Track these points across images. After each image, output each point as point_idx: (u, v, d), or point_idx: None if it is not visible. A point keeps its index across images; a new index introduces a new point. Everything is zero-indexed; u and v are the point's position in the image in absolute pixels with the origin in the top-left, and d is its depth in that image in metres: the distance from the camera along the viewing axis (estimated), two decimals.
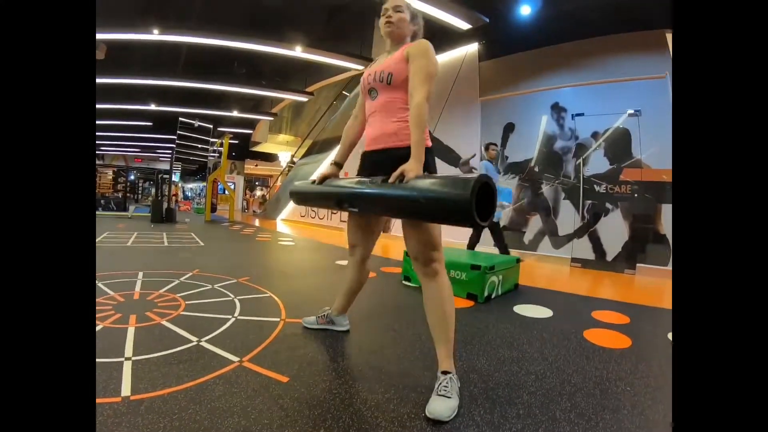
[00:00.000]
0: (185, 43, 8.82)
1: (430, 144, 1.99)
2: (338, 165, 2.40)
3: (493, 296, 3.85)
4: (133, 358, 2.10)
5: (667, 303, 4.33)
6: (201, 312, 2.94)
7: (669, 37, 6.10)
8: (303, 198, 2.51)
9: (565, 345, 2.69)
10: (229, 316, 2.87)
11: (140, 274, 4.05)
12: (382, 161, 2.03)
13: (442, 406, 1.70)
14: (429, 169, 1.92)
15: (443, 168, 8.43)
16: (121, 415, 1.59)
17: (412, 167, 1.75)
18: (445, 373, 1.84)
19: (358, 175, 2.16)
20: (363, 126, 2.32)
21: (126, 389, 1.79)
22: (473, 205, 1.45)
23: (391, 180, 1.75)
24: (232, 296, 3.41)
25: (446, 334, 1.89)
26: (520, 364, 2.31)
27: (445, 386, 1.77)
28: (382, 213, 2.19)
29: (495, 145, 5.98)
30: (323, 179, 2.29)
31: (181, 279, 3.95)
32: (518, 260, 4.38)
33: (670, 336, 2.97)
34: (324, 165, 12.93)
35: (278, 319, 2.87)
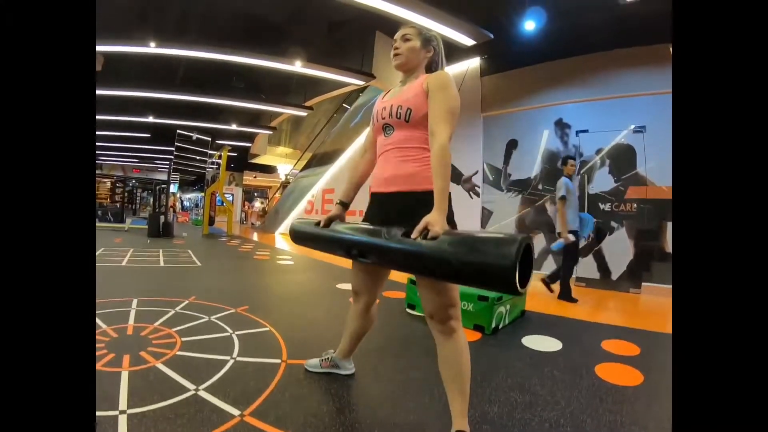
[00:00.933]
0: (183, 56, 8.74)
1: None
2: (344, 205, 2.22)
3: (500, 326, 3.74)
4: (128, 412, 1.96)
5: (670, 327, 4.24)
6: (198, 352, 2.80)
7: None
8: (306, 239, 2.28)
9: (578, 384, 2.58)
10: (228, 357, 2.73)
11: (134, 302, 3.92)
12: (397, 206, 1.86)
13: None
14: (449, 219, 1.72)
15: None
16: None
17: (436, 220, 1.54)
18: None
19: (367, 218, 2.00)
20: (372, 164, 2.15)
21: None
22: (516, 272, 1.27)
23: (414, 235, 1.55)
24: (230, 331, 3.27)
25: (462, 389, 1.77)
26: (533, 410, 2.20)
27: None
28: (401, 269, 1.98)
29: (573, 159, 5.51)
30: (329, 222, 2.10)
31: (177, 309, 3.82)
32: None
33: None
34: (324, 179, 12.85)
35: (279, 361, 2.73)
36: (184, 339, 3.03)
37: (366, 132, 2.25)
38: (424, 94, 1.82)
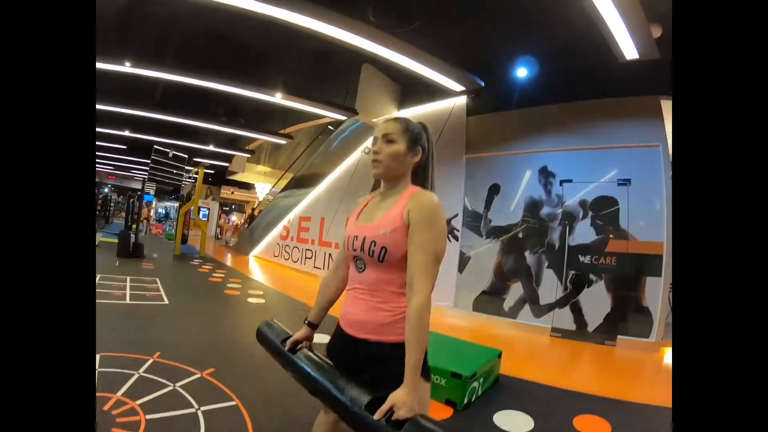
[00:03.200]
0: (161, 79, 8.59)
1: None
2: (313, 326, 1.96)
3: (473, 399, 3.65)
4: None
5: (645, 393, 4.32)
6: None
7: (663, 104, 6.10)
8: (270, 351, 2.05)
9: None
10: None
11: (98, 359, 3.72)
12: (368, 354, 1.64)
13: None
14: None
15: None
16: None
17: (404, 401, 1.35)
18: None
19: (332, 349, 1.83)
20: (344, 281, 1.91)
21: None
22: None
23: (377, 416, 1.35)
24: (196, 406, 3.10)
25: None
26: None
27: None
28: None
29: None
30: (294, 344, 1.87)
31: (140, 371, 3.63)
32: (499, 355, 4.19)
33: None
34: (302, 204, 12.68)
35: None
36: (148, 417, 2.88)
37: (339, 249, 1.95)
38: (404, 228, 1.57)
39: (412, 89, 9.11)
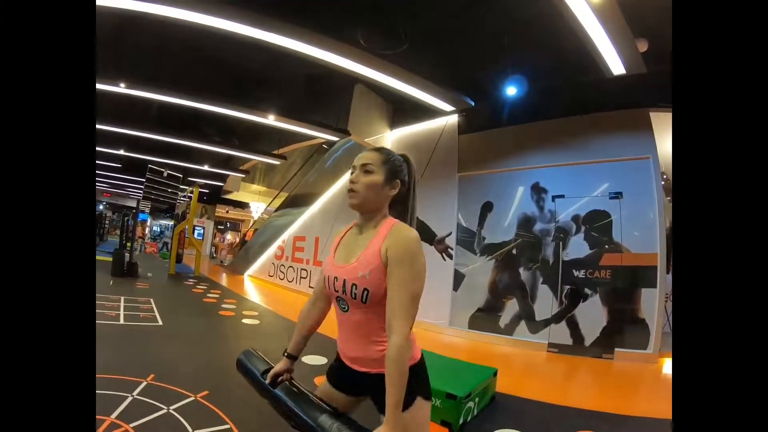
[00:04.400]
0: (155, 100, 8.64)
1: (418, 356, 1.68)
2: (293, 358, 1.92)
3: (469, 419, 3.63)
4: None
5: (644, 406, 4.31)
6: None
7: (653, 116, 6.17)
8: (250, 382, 2.00)
9: None
10: None
11: None
12: (370, 386, 1.64)
13: None
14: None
15: None
16: None
17: None
18: None
19: (330, 377, 1.83)
20: (322, 314, 1.92)
21: None
22: None
23: None
24: (190, 430, 3.07)
25: None
26: None
27: None
28: None
29: None
30: (275, 376, 1.82)
31: (134, 394, 3.59)
32: (495, 373, 4.18)
33: None
34: (297, 224, 12.67)
35: None
36: None
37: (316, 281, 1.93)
38: (382, 267, 1.54)
39: (404, 109, 9.16)
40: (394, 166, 1.70)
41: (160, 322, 6.54)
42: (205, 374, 4.39)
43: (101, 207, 31.22)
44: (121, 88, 7.94)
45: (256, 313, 8.30)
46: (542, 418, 3.89)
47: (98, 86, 7.73)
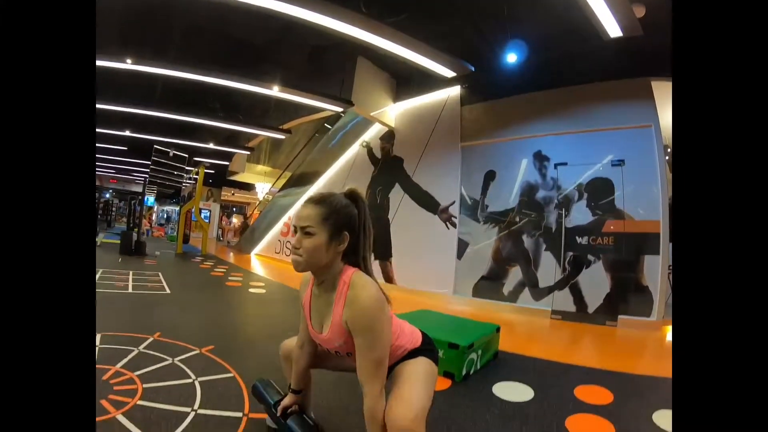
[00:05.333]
0: (161, 75, 8.63)
1: (418, 343, 1.86)
2: (297, 393, 2.07)
3: (471, 372, 3.67)
4: None
5: (648, 367, 4.34)
6: (159, 402, 2.68)
7: (654, 85, 6.14)
8: (267, 413, 2.29)
9: None
10: (189, 409, 2.61)
11: (98, 338, 3.77)
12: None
13: None
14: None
15: (423, 214, 8.33)
16: None
17: None
18: None
19: None
20: (311, 356, 2.03)
21: None
22: None
23: None
24: (193, 377, 3.14)
25: None
26: None
27: None
28: None
29: None
30: (285, 409, 2.02)
31: (141, 347, 3.68)
32: (498, 329, 4.21)
33: (655, 418, 2.86)
34: (301, 201, 12.72)
35: (241, 415, 2.62)
36: (145, 385, 2.91)
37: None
38: (348, 334, 1.63)
39: (406, 82, 9.19)
40: (339, 218, 1.63)
41: (168, 291, 6.63)
42: (211, 332, 4.46)
43: (107, 195, 31.37)
44: (128, 65, 7.93)
45: (263, 284, 8.39)
46: (545, 373, 3.90)
47: (105, 63, 7.76)
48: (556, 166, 6.95)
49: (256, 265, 11.99)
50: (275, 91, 8.27)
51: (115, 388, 2.83)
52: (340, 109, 8.82)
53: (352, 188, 1.75)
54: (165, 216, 31.13)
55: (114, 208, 28.86)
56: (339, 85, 8.44)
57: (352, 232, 1.66)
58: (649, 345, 5.19)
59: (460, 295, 7.53)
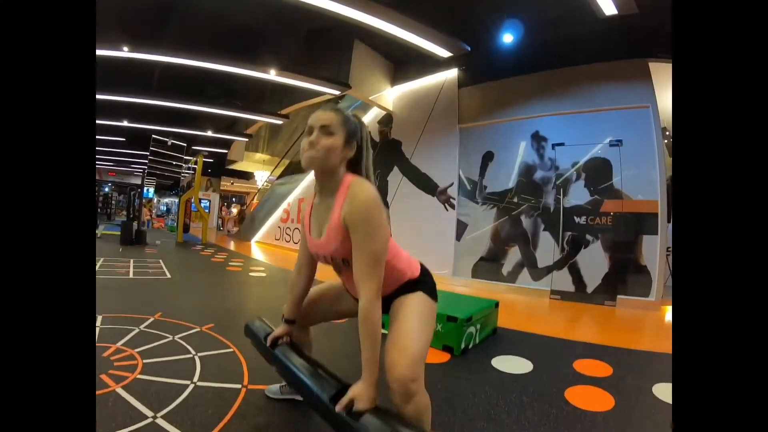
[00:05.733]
0: (158, 62, 8.59)
1: (417, 274, 1.84)
2: (290, 323, 2.12)
3: (470, 346, 3.69)
4: None
5: (648, 343, 4.32)
6: (159, 376, 2.71)
7: (652, 66, 6.12)
8: (256, 346, 2.31)
9: (546, 411, 2.53)
10: (188, 382, 2.64)
11: (99, 319, 3.80)
12: (392, 298, 1.81)
13: None
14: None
15: (422, 197, 8.33)
16: None
17: (362, 394, 1.46)
18: None
19: None
20: (309, 281, 2.08)
21: None
22: None
23: (338, 408, 1.48)
24: (193, 352, 3.17)
25: None
26: None
27: None
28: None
29: None
30: (275, 339, 2.06)
31: (141, 327, 3.70)
32: (496, 305, 4.24)
33: (655, 390, 2.88)
34: (300, 187, 12.74)
35: (240, 386, 2.65)
36: (145, 361, 2.94)
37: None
38: (347, 233, 1.62)
39: (403, 65, 9.17)
40: (351, 127, 1.72)
41: (169, 276, 6.67)
42: (211, 312, 4.49)
43: (106, 188, 31.35)
44: (125, 52, 7.88)
45: (263, 269, 8.44)
46: (544, 348, 3.93)
47: (101, 52, 7.71)
48: (553, 146, 6.94)
49: (257, 252, 12.03)
50: (272, 75, 8.25)
51: (116, 363, 2.85)
52: (337, 92, 8.79)
53: (354, 113, 1.83)
54: (165, 208, 31.20)
55: (114, 202, 28.92)
56: (336, 70, 8.41)
57: (358, 146, 1.75)
58: (648, 324, 5.21)
59: (460, 276, 7.56)
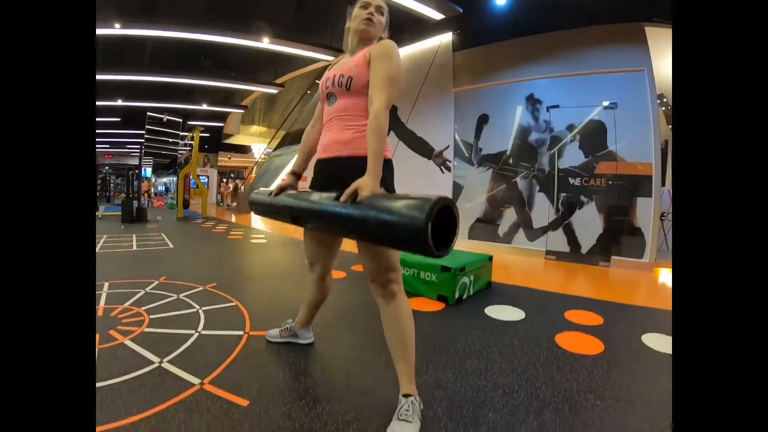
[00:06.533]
0: (150, 36, 8.57)
1: (389, 156, 1.86)
2: (296, 175, 2.27)
3: (464, 297, 3.82)
4: (97, 385, 2.02)
5: (640, 299, 4.39)
6: (164, 328, 2.85)
7: (647, 30, 6.11)
8: (260, 209, 2.33)
9: (536, 352, 2.65)
10: (193, 331, 2.78)
11: (105, 286, 3.91)
12: (335, 171, 1.89)
13: (402, 431, 1.65)
14: (386, 185, 1.75)
15: (418, 160, 8.39)
16: None
17: (366, 183, 1.55)
18: (406, 396, 1.76)
19: (311, 185, 2.01)
20: (320, 134, 2.17)
21: None
22: (428, 232, 1.28)
23: (343, 198, 1.56)
24: (197, 307, 3.31)
25: (406, 355, 1.81)
26: (488, 377, 2.27)
27: (407, 410, 1.71)
28: (333, 233, 2.07)
29: None
30: (280, 190, 2.12)
31: (147, 289, 3.84)
32: (490, 258, 4.35)
33: (644, 339, 2.96)
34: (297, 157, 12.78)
35: (242, 333, 2.79)
36: (152, 316, 3.08)
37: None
38: (366, 64, 1.83)
39: (398, 30, 9.10)
40: (388, 13, 2.07)
41: (171, 246, 6.80)
42: (214, 274, 4.64)
43: (104, 172, 31.27)
44: (117, 29, 7.86)
45: (263, 236, 8.60)
46: (537, 300, 4.05)
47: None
48: (548, 108, 6.97)
49: (257, 222, 12.12)
50: (266, 44, 8.24)
51: (123, 320, 2.98)
52: (331, 58, 8.77)
53: None
54: (164, 188, 31.24)
55: (112, 185, 28.90)
56: (329, 36, 8.40)
57: (387, 29, 2.08)
58: (641, 283, 5.27)
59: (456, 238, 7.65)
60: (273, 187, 2.25)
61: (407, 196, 1.45)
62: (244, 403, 1.91)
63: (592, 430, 1.79)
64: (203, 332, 2.78)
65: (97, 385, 2.03)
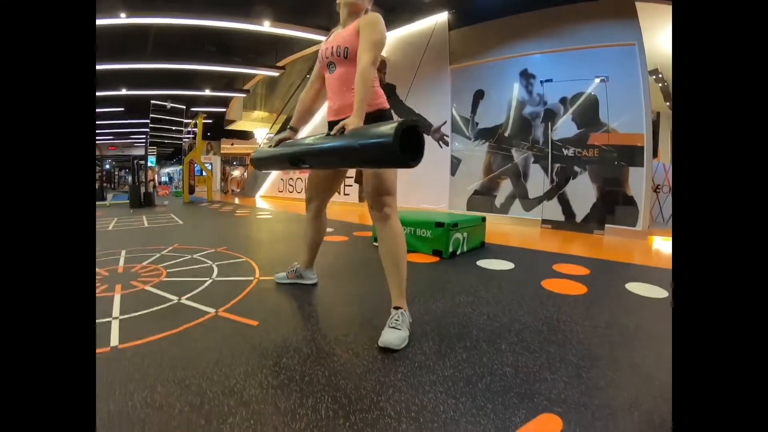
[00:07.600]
0: (153, 24, 8.74)
1: (387, 106, 2.18)
2: (294, 130, 2.54)
3: (458, 252, 4.09)
4: (120, 317, 2.27)
5: (629, 258, 4.56)
6: (181, 277, 3.14)
7: (638, 6, 6.26)
8: (261, 162, 2.63)
9: (522, 292, 2.89)
10: (207, 279, 3.07)
11: (123, 252, 4.17)
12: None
13: (392, 336, 1.91)
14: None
15: None
16: (111, 360, 1.77)
17: (352, 121, 1.87)
18: (396, 308, 2.05)
19: None
20: (318, 93, 2.51)
21: (114, 341, 1.97)
22: (398, 147, 1.59)
23: (332, 132, 1.89)
24: (210, 262, 3.61)
25: (398, 275, 2.08)
26: (474, 307, 2.52)
27: (396, 319, 1.99)
28: (328, 165, 2.32)
29: None
30: (279, 143, 2.43)
31: (162, 252, 4.12)
32: (483, 219, 4.61)
33: (627, 286, 3.13)
34: (301, 135, 12.98)
35: (252, 278, 3.09)
36: (169, 270, 3.36)
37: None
38: (356, 34, 2.09)
39: (395, 11, 9.28)
40: None
41: (181, 223, 7.10)
42: (224, 239, 4.99)
43: (107, 165, 31.46)
44: (123, 19, 8.01)
45: (269, 213, 8.96)
46: (528, 255, 4.30)
47: (99, 21, 7.80)
48: (542, 83, 7.16)
49: (262, 204, 12.40)
50: (266, 27, 8.42)
51: (143, 274, 3.25)
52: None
53: None
54: (168, 178, 31.54)
55: (116, 177, 29.18)
56: (328, 17, 8.56)
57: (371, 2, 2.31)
58: (633, 248, 5.36)
59: (455, 209, 7.92)
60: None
61: (380, 123, 1.81)
62: (255, 323, 2.20)
63: (568, 346, 1.98)
64: (217, 279, 3.07)
65: (121, 317, 2.29)
